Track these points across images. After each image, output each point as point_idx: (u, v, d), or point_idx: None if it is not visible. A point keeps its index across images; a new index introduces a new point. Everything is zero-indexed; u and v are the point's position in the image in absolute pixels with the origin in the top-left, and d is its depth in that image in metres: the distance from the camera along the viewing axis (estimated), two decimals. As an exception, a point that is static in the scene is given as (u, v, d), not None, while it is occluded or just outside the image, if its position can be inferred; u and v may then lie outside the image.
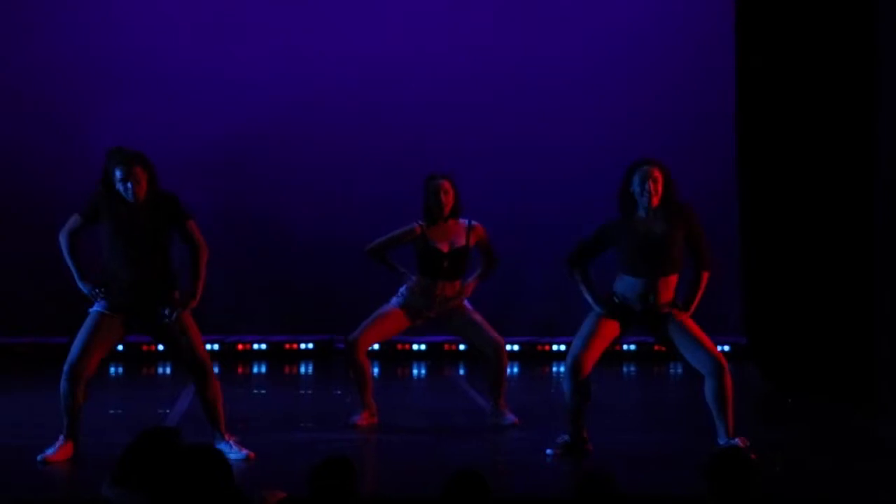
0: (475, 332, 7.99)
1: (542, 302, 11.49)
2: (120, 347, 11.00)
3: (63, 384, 6.75)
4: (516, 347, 11.14)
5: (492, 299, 10.87)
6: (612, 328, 6.99)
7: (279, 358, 11.19)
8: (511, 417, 7.93)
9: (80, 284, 6.86)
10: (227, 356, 11.05)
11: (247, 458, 6.77)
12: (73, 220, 6.88)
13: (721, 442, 6.92)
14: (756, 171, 10.63)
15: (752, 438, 6.94)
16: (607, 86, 11.42)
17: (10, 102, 11.14)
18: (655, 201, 6.89)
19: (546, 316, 11.45)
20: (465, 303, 8.00)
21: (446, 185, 7.93)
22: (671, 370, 11.09)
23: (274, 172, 11.28)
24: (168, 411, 8.47)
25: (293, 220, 11.36)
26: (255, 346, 11.29)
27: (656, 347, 11.27)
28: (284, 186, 11.29)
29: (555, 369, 11.14)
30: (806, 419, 8.47)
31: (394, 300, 8.01)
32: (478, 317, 7.99)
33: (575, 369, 6.93)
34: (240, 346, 11.21)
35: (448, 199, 7.91)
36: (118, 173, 6.69)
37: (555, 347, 11.56)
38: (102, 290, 6.78)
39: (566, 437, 7.02)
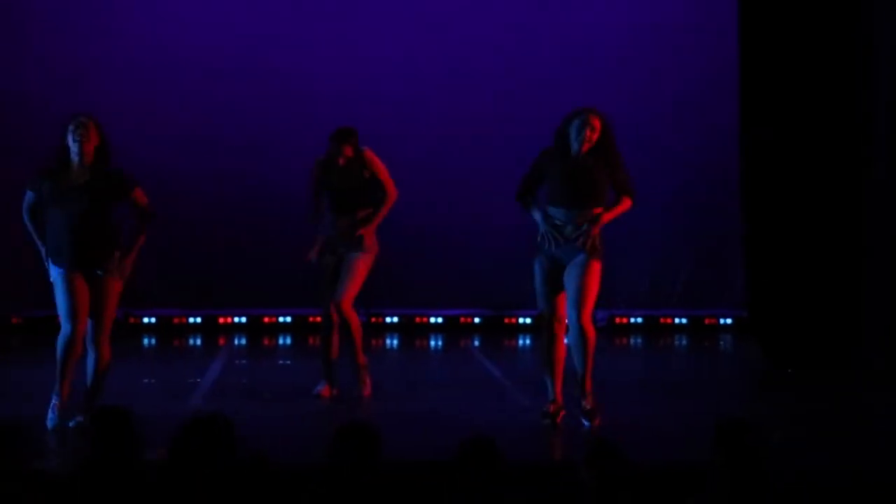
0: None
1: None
2: (153, 320, 11.10)
3: (63, 348, 6.76)
4: (528, 320, 11.13)
5: (496, 271, 10.93)
6: (555, 272, 6.99)
7: (303, 330, 11.21)
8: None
9: (47, 262, 6.87)
10: (254, 328, 11.11)
11: None
12: (30, 197, 6.92)
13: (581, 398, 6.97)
14: (758, 150, 10.59)
15: (751, 409, 6.89)
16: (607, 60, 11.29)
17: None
18: (586, 147, 6.92)
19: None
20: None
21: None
22: (676, 342, 11.09)
23: (273, 149, 11.04)
24: (199, 380, 8.49)
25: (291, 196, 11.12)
26: (281, 319, 11.34)
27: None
28: (281, 166, 11.05)
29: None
30: (805, 391, 8.44)
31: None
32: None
33: (549, 322, 6.98)
34: (266, 319, 11.26)
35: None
36: (70, 126, 6.79)
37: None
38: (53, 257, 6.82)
39: (556, 401, 7.02)
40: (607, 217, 7.00)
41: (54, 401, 6.84)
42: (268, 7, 11.25)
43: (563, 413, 7.03)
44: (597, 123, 6.93)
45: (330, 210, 7.88)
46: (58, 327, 6.83)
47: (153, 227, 7.03)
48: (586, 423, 6.97)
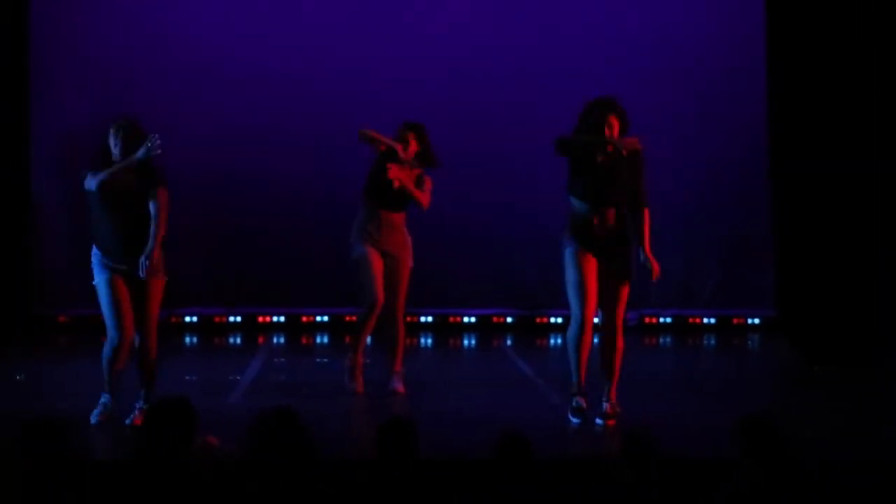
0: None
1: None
2: (195, 319, 11.16)
3: (110, 355, 6.83)
4: (560, 319, 11.12)
5: (527, 272, 10.92)
6: (590, 261, 6.92)
7: (340, 329, 11.24)
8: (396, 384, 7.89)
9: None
10: (292, 327, 11.14)
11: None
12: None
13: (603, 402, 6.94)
14: (788, 155, 10.57)
15: (782, 405, 6.87)
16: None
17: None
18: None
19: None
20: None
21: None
22: (705, 342, 11.04)
23: (315, 152, 10.99)
24: (239, 378, 8.53)
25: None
26: (318, 318, 11.37)
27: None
28: (322, 167, 10.98)
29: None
30: (833, 389, 8.38)
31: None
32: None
33: (584, 324, 6.91)
34: (304, 318, 11.30)
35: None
36: (112, 140, 6.82)
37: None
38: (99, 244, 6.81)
39: (581, 401, 7.01)
40: (648, 246, 6.93)
41: (103, 399, 6.91)
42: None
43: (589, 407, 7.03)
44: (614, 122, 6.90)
45: (375, 202, 7.85)
46: (104, 327, 6.87)
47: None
48: (599, 421, 6.97)
